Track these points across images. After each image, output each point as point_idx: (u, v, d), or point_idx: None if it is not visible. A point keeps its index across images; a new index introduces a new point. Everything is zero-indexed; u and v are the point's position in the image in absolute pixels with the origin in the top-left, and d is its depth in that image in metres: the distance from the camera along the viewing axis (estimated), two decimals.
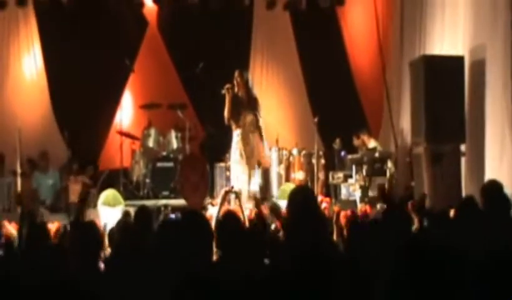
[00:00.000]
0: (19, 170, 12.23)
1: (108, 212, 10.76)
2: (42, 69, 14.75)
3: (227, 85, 11.07)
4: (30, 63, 14.77)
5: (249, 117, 11.11)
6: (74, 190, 12.37)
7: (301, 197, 4.86)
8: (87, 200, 11.34)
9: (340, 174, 12.86)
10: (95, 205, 11.39)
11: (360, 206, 11.44)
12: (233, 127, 11.23)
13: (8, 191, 12.45)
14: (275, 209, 5.12)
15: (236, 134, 11.19)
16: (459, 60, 10.53)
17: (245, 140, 11.07)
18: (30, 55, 14.76)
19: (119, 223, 6.61)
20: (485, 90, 10.13)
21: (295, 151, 13.36)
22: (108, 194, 11.39)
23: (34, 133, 14.00)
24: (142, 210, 6.57)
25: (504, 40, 9.68)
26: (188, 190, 12.16)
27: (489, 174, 9.56)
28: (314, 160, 12.91)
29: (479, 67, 10.32)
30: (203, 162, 12.70)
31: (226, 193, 10.51)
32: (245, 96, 11.15)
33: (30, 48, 14.74)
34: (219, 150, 13.06)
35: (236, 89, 11.12)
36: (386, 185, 11.91)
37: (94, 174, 13.29)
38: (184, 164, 12.84)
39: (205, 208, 11.38)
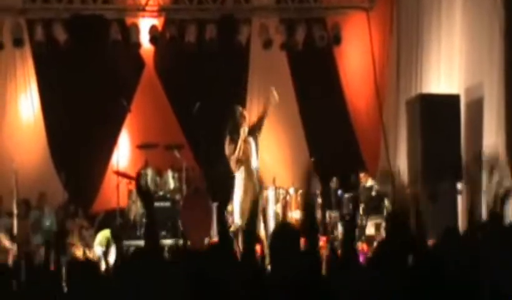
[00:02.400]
0: (15, 212, 12.18)
1: (102, 251, 10.70)
2: (39, 110, 14.78)
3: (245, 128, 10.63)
4: (27, 104, 14.80)
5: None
6: (71, 232, 12.33)
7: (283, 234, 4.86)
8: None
9: (337, 213, 12.82)
10: (91, 246, 11.34)
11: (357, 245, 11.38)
12: (235, 166, 11.11)
13: (5, 232, 12.39)
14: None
15: (240, 172, 11.07)
16: (455, 98, 10.56)
17: (249, 176, 10.89)
18: (27, 96, 14.79)
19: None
20: (482, 128, 10.14)
21: (291, 190, 13.33)
22: (104, 234, 11.34)
23: (31, 174, 13.98)
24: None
25: (500, 78, 9.72)
26: (191, 226, 12.13)
27: (486, 212, 9.53)
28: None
29: (476, 105, 10.34)
30: (207, 198, 12.68)
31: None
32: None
33: (27, 89, 14.79)
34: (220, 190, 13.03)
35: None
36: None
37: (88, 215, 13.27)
38: (188, 199, 12.81)
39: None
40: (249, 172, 10.81)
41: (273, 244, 4.80)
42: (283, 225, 5.12)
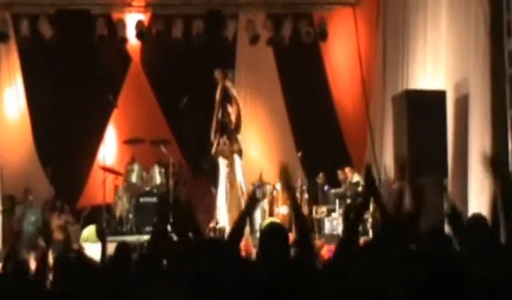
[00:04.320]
0: (0, 208, 12.14)
1: (91, 248, 10.64)
2: (25, 105, 14.72)
3: None
4: (12, 99, 14.73)
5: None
6: (57, 227, 12.26)
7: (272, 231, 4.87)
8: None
9: (324, 208, 12.84)
10: (77, 242, 11.28)
11: None
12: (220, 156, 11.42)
13: None
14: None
15: (225, 164, 11.30)
16: (441, 94, 10.58)
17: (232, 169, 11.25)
18: (12, 91, 14.73)
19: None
20: (468, 124, 10.16)
21: (278, 186, 13.32)
22: (91, 230, 11.28)
23: (17, 170, 13.93)
24: (121, 246, 6.46)
25: (486, 74, 9.74)
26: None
27: (472, 208, 9.56)
28: (297, 195, 12.88)
29: (462, 101, 10.37)
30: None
31: (210, 230, 10.51)
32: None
33: (12, 84, 14.72)
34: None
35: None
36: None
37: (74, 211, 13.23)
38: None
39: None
40: (232, 168, 11.15)
41: (263, 242, 4.81)
42: (271, 223, 5.11)
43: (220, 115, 11.84)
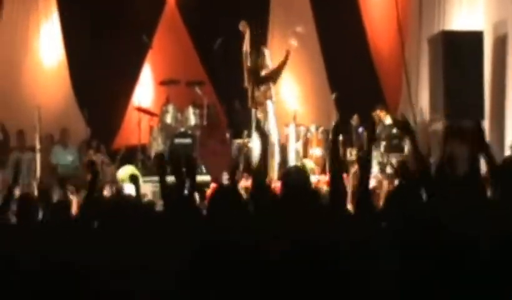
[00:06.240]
0: (38, 146, 12.30)
1: (126, 188, 10.79)
2: (62, 46, 14.80)
3: None
4: (49, 40, 14.82)
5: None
6: (85, 165, 12.42)
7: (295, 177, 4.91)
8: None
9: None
10: (113, 182, 11.45)
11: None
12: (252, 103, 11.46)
13: (28, 167, 12.51)
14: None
15: (259, 112, 11.38)
16: (478, 35, 10.44)
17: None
18: (49, 32, 14.81)
19: None
20: (506, 66, 10.05)
21: (312, 128, 13.33)
22: (127, 170, 11.44)
23: (54, 111, 14.08)
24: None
25: None
26: (209, 160, 12.29)
27: (509, 151, 9.50)
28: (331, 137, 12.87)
29: (500, 43, 10.23)
30: (223, 130, 12.82)
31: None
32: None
33: (49, 25, 14.79)
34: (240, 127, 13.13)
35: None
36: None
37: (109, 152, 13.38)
38: (203, 134, 12.95)
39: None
40: (265, 115, 11.26)
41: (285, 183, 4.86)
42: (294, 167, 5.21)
43: (249, 64, 11.82)
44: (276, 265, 3.48)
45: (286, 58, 12.04)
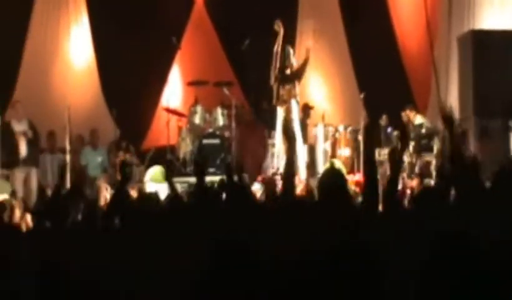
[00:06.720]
0: (68, 147, 12.37)
1: (155, 188, 10.84)
2: (91, 48, 14.91)
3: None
4: (79, 41, 14.94)
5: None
6: (114, 165, 12.51)
7: (331, 180, 4.88)
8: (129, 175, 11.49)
9: (386, 151, 12.75)
10: (141, 182, 11.51)
11: (407, 182, 11.35)
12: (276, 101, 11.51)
13: (58, 167, 12.58)
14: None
15: (283, 110, 11.36)
16: (508, 34, 10.36)
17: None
18: (79, 33, 14.93)
19: None
20: None
21: (341, 127, 13.29)
22: (156, 170, 11.50)
23: (84, 111, 14.17)
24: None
25: None
26: (246, 156, 12.35)
27: None
28: (360, 137, 12.83)
29: None
30: (261, 129, 12.84)
31: (273, 175, 10.62)
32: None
33: (79, 26, 14.92)
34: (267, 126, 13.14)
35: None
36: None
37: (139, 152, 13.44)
38: (241, 132, 13.00)
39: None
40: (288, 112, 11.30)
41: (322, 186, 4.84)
42: (331, 169, 5.16)
43: (279, 64, 11.80)
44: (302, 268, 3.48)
45: (307, 56, 11.98)
